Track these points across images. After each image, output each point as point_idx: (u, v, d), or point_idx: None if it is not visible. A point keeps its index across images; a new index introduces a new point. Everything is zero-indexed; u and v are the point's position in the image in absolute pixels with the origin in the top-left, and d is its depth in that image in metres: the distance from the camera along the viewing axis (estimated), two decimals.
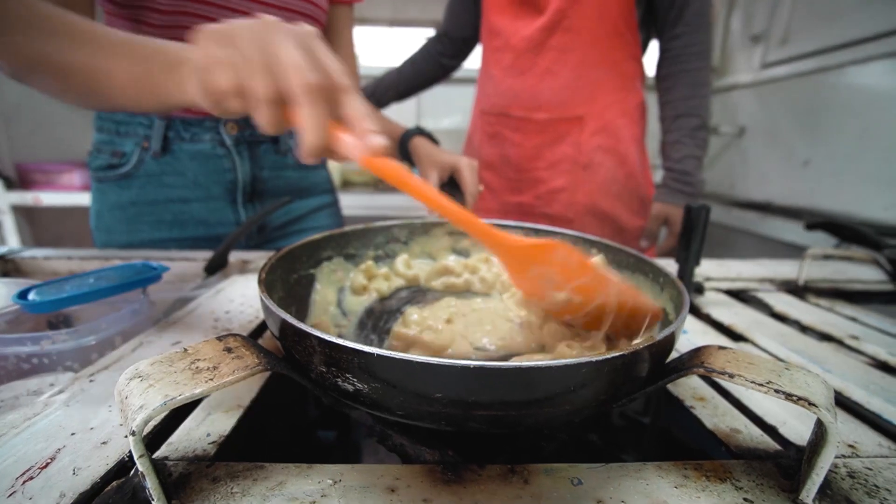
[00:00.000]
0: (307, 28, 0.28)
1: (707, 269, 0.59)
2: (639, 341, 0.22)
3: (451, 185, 0.61)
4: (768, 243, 1.31)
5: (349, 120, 0.27)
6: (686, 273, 0.46)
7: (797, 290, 0.52)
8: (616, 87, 0.85)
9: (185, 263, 0.56)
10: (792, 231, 1.17)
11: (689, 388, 0.30)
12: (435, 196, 0.28)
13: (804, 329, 0.42)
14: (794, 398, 0.18)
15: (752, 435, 0.25)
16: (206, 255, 0.58)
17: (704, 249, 0.46)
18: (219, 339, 0.22)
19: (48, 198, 1.41)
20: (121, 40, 0.36)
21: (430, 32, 2.11)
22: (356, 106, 0.27)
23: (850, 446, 0.24)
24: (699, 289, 0.49)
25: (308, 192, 0.75)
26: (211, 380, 0.19)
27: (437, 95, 1.94)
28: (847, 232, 0.68)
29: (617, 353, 0.20)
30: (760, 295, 0.50)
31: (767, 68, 1.63)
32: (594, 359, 0.19)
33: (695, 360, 0.22)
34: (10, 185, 1.41)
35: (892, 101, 1.16)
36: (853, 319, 0.44)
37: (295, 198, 0.72)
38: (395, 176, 0.27)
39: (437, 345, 0.32)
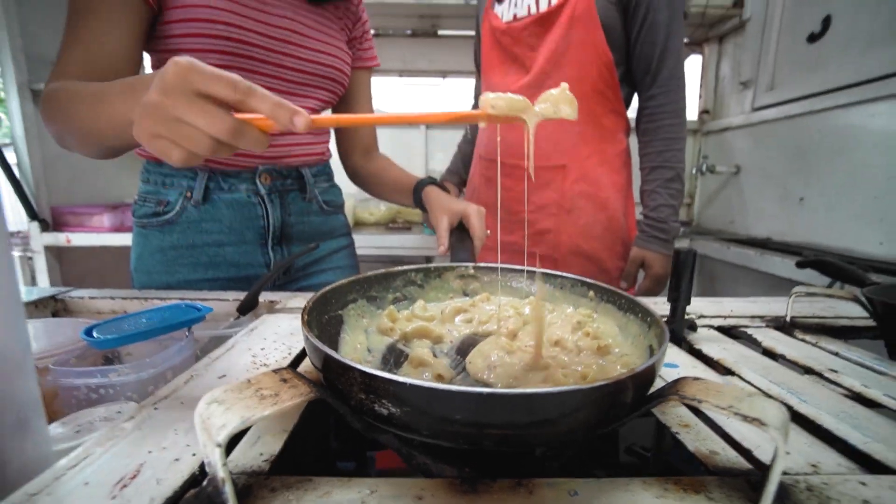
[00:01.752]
0: (185, 65, 0.31)
1: (701, 306, 0.63)
2: (624, 371, 0.27)
3: (461, 230, 0.67)
4: (768, 279, 1.35)
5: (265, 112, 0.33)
6: (678, 312, 0.50)
7: (785, 326, 0.55)
8: (597, 138, 0.95)
9: (218, 303, 0.62)
10: (789, 268, 1.21)
11: (676, 416, 0.34)
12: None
13: (788, 363, 0.46)
14: (749, 419, 0.22)
15: (729, 456, 0.29)
16: (235, 295, 0.64)
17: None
18: (275, 371, 0.26)
19: (77, 238, 1.50)
20: (100, 90, 0.47)
21: (437, 81, 2.26)
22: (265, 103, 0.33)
23: (813, 465, 0.28)
24: (692, 326, 0.53)
25: (328, 236, 0.81)
26: (275, 404, 0.23)
27: (443, 137, 2.05)
28: (833, 270, 0.72)
29: (603, 383, 0.24)
30: (750, 331, 0.54)
31: (758, 111, 1.72)
32: (584, 387, 0.24)
33: (672, 390, 0.26)
34: (46, 227, 1.50)
35: (875, 142, 1.22)
36: (836, 354, 0.47)
37: (318, 241, 0.79)
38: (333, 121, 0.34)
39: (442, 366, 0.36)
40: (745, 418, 0.23)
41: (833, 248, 1.31)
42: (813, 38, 1.48)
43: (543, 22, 0.89)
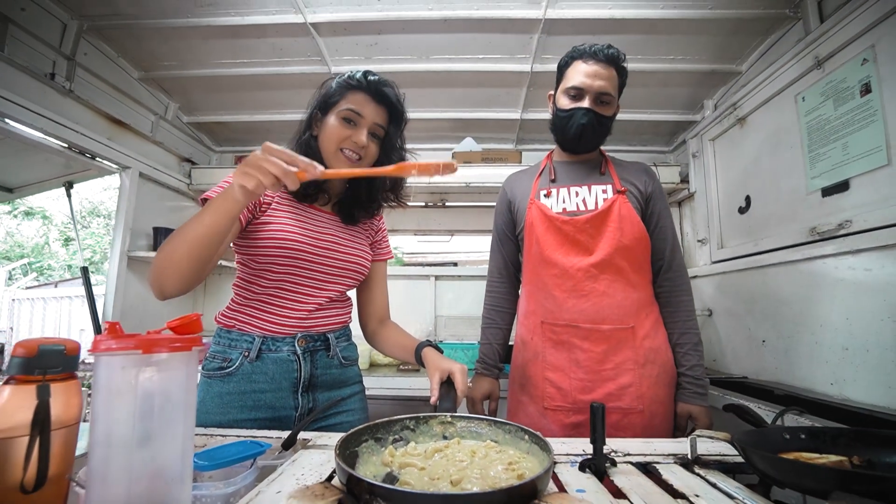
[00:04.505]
0: (266, 146, 0.67)
1: (630, 445, 0.81)
2: (515, 483, 0.48)
3: (448, 384, 0.90)
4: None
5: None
6: (596, 451, 0.69)
7: (688, 463, 0.73)
8: (648, 302, 1.22)
9: (264, 440, 0.83)
10: (762, 408, 1.33)
11: None
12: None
13: (670, 490, 0.63)
14: None
15: None
16: (276, 434, 0.85)
17: None
18: (320, 483, 0.49)
19: None
20: (197, 218, 0.75)
21: (446, 239, 2.71)
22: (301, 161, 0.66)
23: None
24: (612, 462, 0.72)
25: (345, 384, 1.04)
26: (323, 499, 0.45)
27: (450, 286, 2.39)
28: (745, 415, 0.90)
29: (494, 489, 0.46)
30: (660, 467, 0.72)
31: (715, 264, 2.02)
32: (492, 490, 0.45)
33: (542, 497, 0.47)
34: None
35: (807, 296, 1.46)
36: (713, 485, 0.65)
37: (335, 388, 1.02)
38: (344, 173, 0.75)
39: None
40: None
41: (797, 389, 1.45)
42: (742, 210, 1.85)
43: (600, 217, 1.17)
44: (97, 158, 1.80)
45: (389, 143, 1.02)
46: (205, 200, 0.88)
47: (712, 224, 2.06)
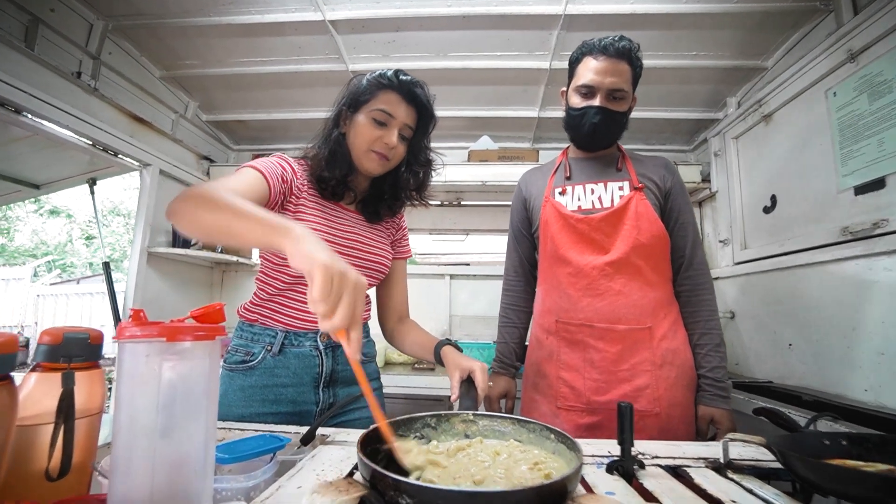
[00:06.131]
0: (362, 284, 0.58)
1: (657, 448, 0.78)
2: (545, 482, 0.46)
3: (468, 382, 0.88)
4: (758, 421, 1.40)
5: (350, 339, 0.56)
6: (624, 453, 0.67)
7: (720, 467, 0.70)
8: (666, 301, 1.17)
9: (283, 435, 0.82)
10: (791, 413, 1.29)
11: None
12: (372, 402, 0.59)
13: (704, 495, 0.61)
14: None
15: None
16: (295, 429, 0.84)
17: None
18: (344, 479, 0.47)
19: None
20: (255, 212, 0.63)
21: (461, 238, 2.69)
22: (355, 336, 0.57)
23: None
24: (640, 464, 0.69)
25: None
26: (348, 494, 0.44)
27: (466, 285, 2.37)
28: (778, 418, 0.87)
29: (523, 487, 0.44)
30: (690, 471, 0.69)
31: (738, 265, 1.96)
32: (522, 488, 0.43)
33: (573, 497, 0.45)
34: None
35: (838, 299, 1.41)
36: (748, 490, 0.62)
37: (354, 384, 1.01)
38: (359, 378, 0.58)
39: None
40: None
41: (829, 394, 1.39)
42: (767, 210, 1.80)
43: (616, 215, 1.14)
44: (119, 156, 1.83)
45: (417, 145, 1.01)
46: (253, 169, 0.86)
47: (735, 224, 2.01)
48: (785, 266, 1.63)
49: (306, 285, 0.95)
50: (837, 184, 1.44)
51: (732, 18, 1.64)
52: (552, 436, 0.65)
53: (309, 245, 0.57)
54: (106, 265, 1.75)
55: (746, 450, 0.77)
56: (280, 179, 0.90)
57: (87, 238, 12.32)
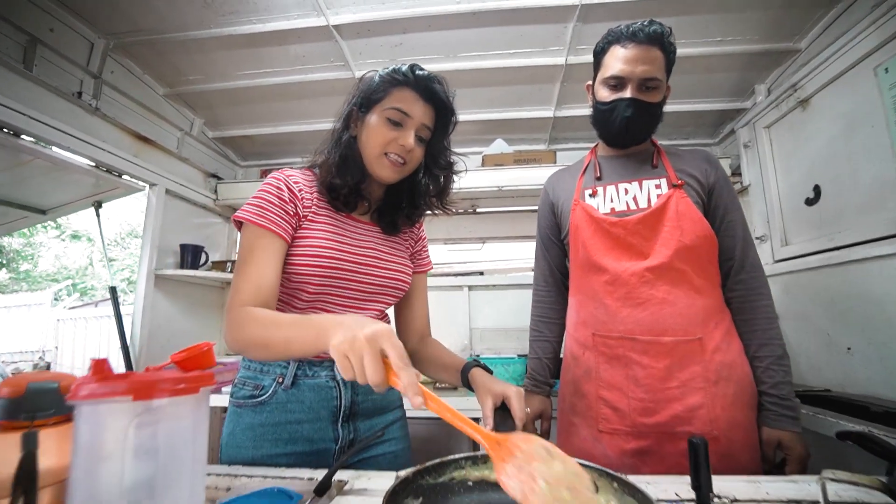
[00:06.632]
0: (385, 332, 0.55)
1: (736, 488, 0.66)
2: None
3: (503, 410, 0.77)
4: (822, 439, 1.25)
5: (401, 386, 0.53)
6: (701, 498, 0.55)
7: None
8: (717, 309, 1.03)
9: (295, 482, 0.72)
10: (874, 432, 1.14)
11: None
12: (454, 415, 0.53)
13: None
14: None
15: None
16: (307, 473, 0.74)
17: None
18: None
19: None
20: (292, 320, 0.68)
21: (478, 247, 2.58)
22: (406, 379, 0.53)
23: None
24: None
25: (386, 409, 0.93)
26: None
27: (485, 297, 2.26)
28: (873, 446, 0.73)
29: None
30: None
31: (779, 263, 1.82)
32: None
33: None
34: None
35: None
36: None
37: (376, 415, 0.91)
38: (436, 408, 0.52)
39: None
40: None
41: None
42: (810, 202, 1.66)
43: (654, 216, 1.02)
44: (124, 176, 1.77)
45: (436, 146, 0.92)
46: (238, 223, 0.84)
47: (773, 219, 1.86)
48: (837, 262, 1.49)
49: (321, 310, 0.86)
50: (894, 169, 1.30)
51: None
52: (615, 483, 0.54)
53: (330, 335, 0.59)
54: (112, 290, 1.68)
55: (846, 490, 0.64)
56: (282, 211, 0.83)
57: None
